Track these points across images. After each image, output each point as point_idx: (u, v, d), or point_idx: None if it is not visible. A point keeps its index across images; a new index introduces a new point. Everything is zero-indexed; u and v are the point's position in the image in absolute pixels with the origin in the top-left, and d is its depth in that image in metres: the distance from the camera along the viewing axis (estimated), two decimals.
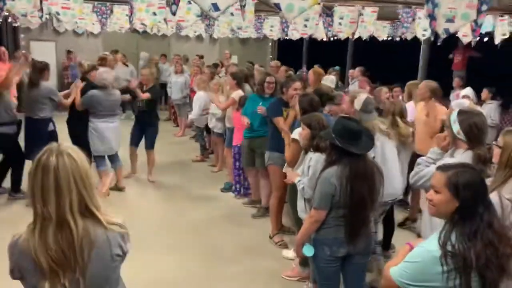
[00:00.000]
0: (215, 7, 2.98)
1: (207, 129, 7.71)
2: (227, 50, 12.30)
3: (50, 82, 6.22)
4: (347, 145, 2.98)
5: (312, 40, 11.86)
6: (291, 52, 12.76)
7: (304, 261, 4.11)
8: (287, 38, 10.97)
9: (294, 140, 4.21)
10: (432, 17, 3.95)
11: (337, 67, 9.18)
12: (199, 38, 13.30)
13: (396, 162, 4.11)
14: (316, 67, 7.15)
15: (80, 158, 1.76)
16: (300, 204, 3.67)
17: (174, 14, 3.59)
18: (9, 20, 8.90)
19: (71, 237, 1.69)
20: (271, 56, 14.99)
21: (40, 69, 5.63)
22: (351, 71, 9.62)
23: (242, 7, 3.77)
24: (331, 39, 9.34)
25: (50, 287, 1.70)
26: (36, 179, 1.70)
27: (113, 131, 6.05)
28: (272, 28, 10.04)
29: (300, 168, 3.82)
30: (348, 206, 2.99)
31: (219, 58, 12.45)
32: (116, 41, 12.49)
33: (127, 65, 11.26)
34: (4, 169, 6.05)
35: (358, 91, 5.08)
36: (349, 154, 2.98)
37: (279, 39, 12.24)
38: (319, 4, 3.51)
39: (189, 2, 5.26)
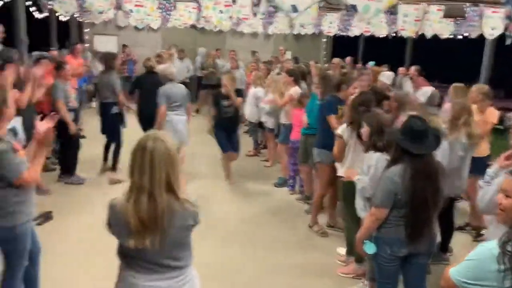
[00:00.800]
0: (294, 8, 3.06)
1: (260, 124, 7.86)
2: (281, 46, 12.35)
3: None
4: (409, 145, 2.99)
5: (368, 37, 11.69)
6: (346, 49, 12.61)
7: (359, 259, 4.14)
8: (344, 35, 10.89)
9: (338, 135, 4.25)
10: (510, 19, 3.84)
11: (371, 63, 9.01)
12: (253, 34, 13.44)
13: (444, 161, 4.03)
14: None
15: (170, 145, 2.13)
16: (359, 203, 3.69)
17: (255, 15, 3.71)
18: (76, 15, 9.39)
19: (157, 206, 2.06)
20: (325, 52, 14.88)
21: (113, 57, 6.10)
22: (401, 69, 9.30)
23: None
24: (390, 36, 9.17)
25: (134, 243, 2.08)
26: (136, 158, 2.09)
27: (183, 123, 6.34)
28: (330, 25, 10.00)
29: (350, 166, 3.84)
30: (410, 206, 3.00)
31: (273, 54, 12.52)
32: (175, 36, 12.85)
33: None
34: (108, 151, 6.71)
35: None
36: (412, 153, 2.99)
37: (334, 35, 12.12)
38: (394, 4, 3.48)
39: (257, 4, 5.38)
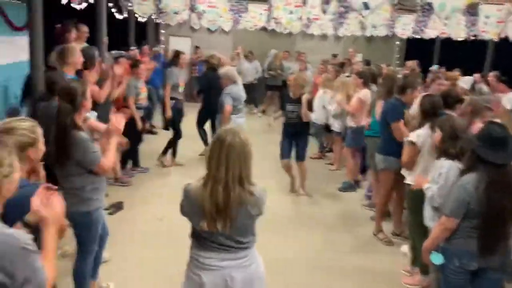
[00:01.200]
0: (366, 5, 2.99)
1: (327, 127, 7.76)
2: (351, 48, 12.12)
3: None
4: (487, 152, 2.82)
5: (445, 40, 11.14)
6: (420, 52, 12.11)
7: (425, 270, 3.96)
8: (418, 37, 10.46)
9: (410, 142, 4.07)
10: None
11: (435, 66, 8.51)
12: (323, 36, 13.32)
13: None
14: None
15: (246, 141, 2.34)
16: (428, 212, 3.53)
17: (324, 12, 3.68)
18: (153, 16, 9.82)
19: (230, 196, 2.29)
20: (398, 56, 14.39)
21: (177, 54, 6.81)
22: (475, 75, 8.70)
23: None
24: (469, 39, 8.68)
25: (207, 226, 2.33)
26: (214, 150, 2.32)
27: (243, 125, 6.40)
28: (405, 27, 9.66)
29: (420, 174, 3.68)
30: (483, 218, 2.83)
31: (344, 56, 12.31)
32: (245, 39, 13.06)
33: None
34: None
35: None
36: (488, 162, 2.82)
37: (408, 38, 11.68)
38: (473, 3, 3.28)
39: (327, 2, 5.34)
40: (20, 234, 1.59)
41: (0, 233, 1.54)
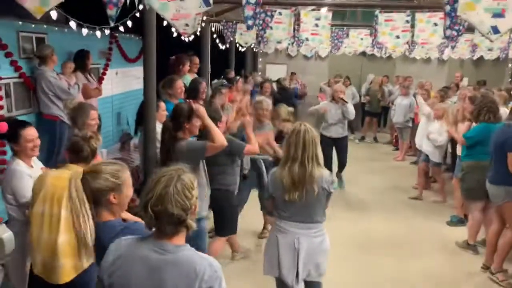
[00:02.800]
0: (495, 30, 2.76)
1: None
2: (458, 72, 11.38)
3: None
4: None
5: None
6: None
7: None
8: None
9: None
10: None
11: None
12: (426, 60, 12.72)
13: None
14: None
15: (314, 132, 3.17)
16: None
17: (447, 38, 3.49)
18: (252, 46, 10.12)
19: (304, 172, 3.10)
20: (510, 79, 13.27)
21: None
22: None
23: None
24: None
25: (288, 197, 3.14)
26: (292, 137, 3.15)
27: None
28: None
29: None
30: None
31: (450, 81, 11.61)
32: (342, 63, 12.94)
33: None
34: None
35: None
36: None
37: None
38: None
39: (435, 24, 5.06)
40: (211, 258, 1.82)
41: (197, 257, 1.77)
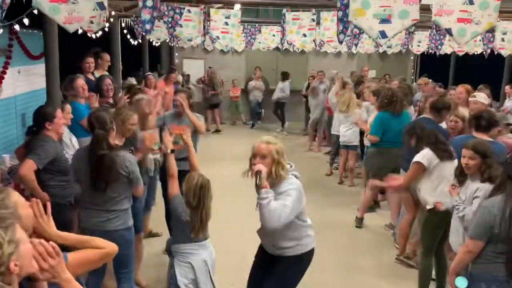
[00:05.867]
0: (383, 34, 2.96)
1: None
2: (366, 66, 12.05)
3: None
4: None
5: (460, 55, 11.01)
6: (435, 67, 11.99)
7: None
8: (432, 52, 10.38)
9: (417, 162, 4.01)
10: None
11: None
12: (337, 54, 13.31)
13: None
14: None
15: None
16: (457, 238, 3.43)
17: (341, 42, 3.66)
18: (167, 40, 9.94)
19: None
20: (412, 71, 14.31)
21: None
22: (507, 87, 8.83)
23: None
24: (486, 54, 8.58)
25: None
26: None
27: None
28: (419, 44, 9.60)
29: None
30: (509, 243, 2.72)
31: (355, 72, 12.20)
32: (258, 58, 13.15)
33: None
34: None
35: None
36: None
37: (422, 53, 11.60)
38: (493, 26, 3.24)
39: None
40: None
41: None
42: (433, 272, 4.14)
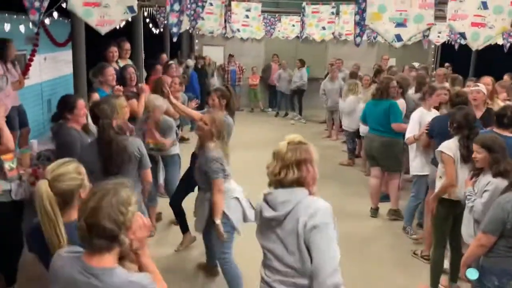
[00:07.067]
0: (399, 37, 3.04)
1: (358, 133, 7.83)
2: (386, 55, 11.97)
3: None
4: None
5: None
6: (456, 56, 11.82)
7: None
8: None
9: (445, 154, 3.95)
10: None
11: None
12: None
13: None
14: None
15: None
16: (468, 229, 3.52)
17: (357, 45, 3.73)
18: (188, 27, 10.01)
19: None
20: (433, 59, 14.15)
21: None
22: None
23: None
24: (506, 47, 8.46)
25: None
26: None
27: None
28: (439, 34, 9.52)
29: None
30: None
31: (376, 62, 12.18)
32: (277, 46, 13.18)
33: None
34: None
35: None
36: None
37: (443, 43, 11.47)
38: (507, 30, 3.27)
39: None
40: (143, 279, 1.75)
41: (126, 281, 1.70)
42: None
